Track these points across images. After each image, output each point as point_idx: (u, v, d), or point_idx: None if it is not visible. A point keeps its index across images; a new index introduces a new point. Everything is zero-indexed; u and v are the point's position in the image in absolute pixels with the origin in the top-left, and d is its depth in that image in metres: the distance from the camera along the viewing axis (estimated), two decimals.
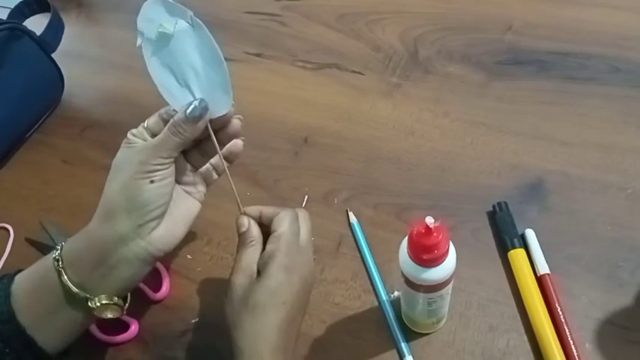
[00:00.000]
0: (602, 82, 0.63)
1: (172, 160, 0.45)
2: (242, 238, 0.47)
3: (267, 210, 0.47)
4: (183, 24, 0.44)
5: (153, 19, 0.44)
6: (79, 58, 0.81)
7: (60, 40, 0.73)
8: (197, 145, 0.48)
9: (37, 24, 0.73)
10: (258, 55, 0.75)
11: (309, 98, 0.70)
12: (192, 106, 0.44)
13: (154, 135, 0.45)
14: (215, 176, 0.52)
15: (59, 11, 0.75)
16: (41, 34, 0.71)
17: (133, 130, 0.46)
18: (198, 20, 0.44)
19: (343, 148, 0.64)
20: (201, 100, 0.44)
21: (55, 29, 0.72)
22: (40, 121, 0.75)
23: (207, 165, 0.51)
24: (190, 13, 0.44)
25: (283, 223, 0.46)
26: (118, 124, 0.73)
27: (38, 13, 0.74)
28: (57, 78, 0.75)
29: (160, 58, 0.45)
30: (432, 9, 0.74)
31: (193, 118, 0.44)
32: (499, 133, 0.61)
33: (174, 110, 0.45)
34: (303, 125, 0.67)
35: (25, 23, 0.72)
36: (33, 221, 0.64)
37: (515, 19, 0.70)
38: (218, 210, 0.60)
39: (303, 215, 0.48)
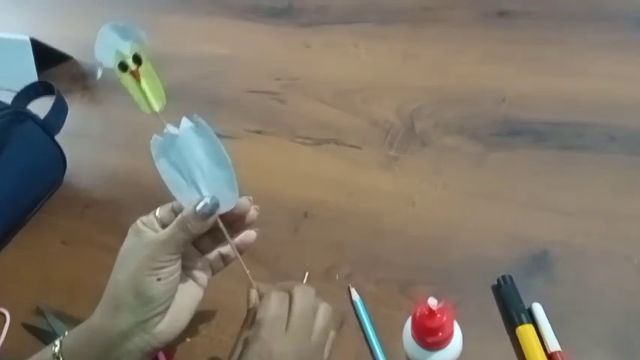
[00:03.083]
0: (599, 150, 0.64)
1: (179, 255, 0.44)
2: (248, 314, 0.45)
3: (262, 289, 0.46)
4: (187, 124, 0.45)
5: (109, 46, 0.43)
6: (82, 138, 0.82)
7: (63, 123, 0.75)
8: (208, 231, 0.48)
9: (42, 105, 0.75)
10: (258, 132, 0.76)
11: (309, 173, 0.70)
12: (202, 203, 0.44)
13: (164, 225, 0.45)
14: (222, 265, 0.51)
15: (65, 94, 0.77)
16: (45, 117, 0.72)
17: (143, 218, 0.46)
18: (201, 120, 0.45)
19: (343, 222, 0.64)
20: (213, 197, 0.45)
21: (59, 112, 0.74)
22: (42, 202, 0.75)
23: (216, 252, 0.51)
24: (143, 32, 0.44)
25: (265, 307, 0.43)
26: (119, 204, 0.73)
27: (43, 96, 0.76)
28: (59, 159, 0.76)
29: (168, 157, 0.46)
30: (426, 83, 0.76)
31: (203, 215, 0.44)
32: (499, 204, 0.61)
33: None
34: (303, 200, 0.67)
35: (30, 105, 0.74)
36: (31, 304, 0.64)
37: (509, 90, 0.72)
38: (217, 290, 0.59)
39: (298, 292, 0.45)
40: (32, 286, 0.67)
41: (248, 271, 0.47)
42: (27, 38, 0.88)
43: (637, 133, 0.64)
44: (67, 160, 0.77)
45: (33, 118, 0.71)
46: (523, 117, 0.69)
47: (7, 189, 0.69)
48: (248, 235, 0.50)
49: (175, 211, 0.46)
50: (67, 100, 0.77)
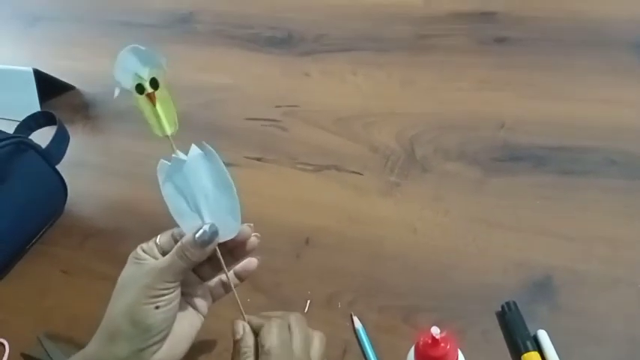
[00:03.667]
0: (599, 174, 0.64)
1: (178, 283, 0.44)
2: (236, 347, 0.44)
3: (254, 320, 0.45)
4: (196, 150, 0.45)
5: (129, 69, 0.44)
6: (83, 167, 0.82)
7: (64, 152, 0.75)
8: (209, 258, 0.48)
9: (43, 136, 0.75)
10: (259, 159, 0.77)
11: (310, 199, 0.70)
12: (201, 231, 0.44)
13: (164, 253, 0.45)
14: (223, 292, 0.51)
15: (67, 123, 0.78)
16: (46, 147, 0.73)
17: (143, 245, 0.46)
18: (210, 148, 0.45)
19: (345, 248, 0.64)
20: (212, 225, 0.45)
21: (60, 142, 0.74)
22: (42, 232, 0.75)
23: (217, 279, 0.50)
24: (164, 59, 0.44)
25: (271, 335, 0.43)
26: (120, 233, 0.73)
27: (45, 126, 0.76)
28: (60, 189, 0.75)
29: (173, 182, 0.46)
30: (425, 109, 0.76)
31: (202, 243, 0.44)
32: (501, 229, 0.61)
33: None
34: (304, 227, 0.67)
35: (32, 136, 0.74)
36: (30, 335, 0.63)
37: (508, 116, 0.72)
38: (217, 318, 0.59)
39: (294, 320, 0.45)
40: (32, 315, 0.66)
41: (240, 302, 0.47)
42: (30, 69, 0.89)
43: (636, 156, 0.64)
44: (68, 189, 0.77)
45: (34, 147, 0.71)
46: (523, 142, 0.69)
47: (8, 219, 0.69)
48: (249, 262, 0.50)
49: (175, 238, 0.46)
50: (69, 130, 0.78)
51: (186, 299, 0.48)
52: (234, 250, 0.48)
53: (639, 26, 0.79)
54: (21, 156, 0.69)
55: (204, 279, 0.49)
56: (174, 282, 0.44)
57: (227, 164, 0.45)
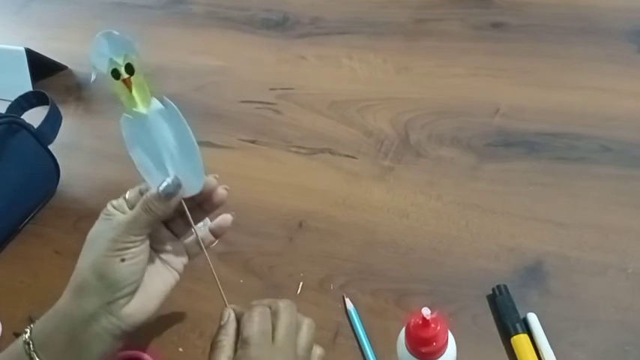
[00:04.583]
0: (592, 162, 0.64)
1: (145, 237, 0.44)
2: (216, 333, 0.44)
3: (239, 309, 0.45)
4: (157, 105, 0.45)
5: (104, 53, 0.44)
6: (76, 149, 0.82)
7: (57, 133, 0.74)
8: (181, 213, 0.48)
9: (35, 116, 0.74)
10: (252, 141, 0.76)
11: (303, 183, 0.70)
12: (165, 184, 0.44)
13: (133, 208, 0.45)
14: (199, 250, 0.50)
15: (59, 104, 0.77)
16: (38, 127, 0.72)
17: (113, 202, 0.46)
18: (171, 103, 0.45)
19: (338, 232, 0.64)
20: (175, 178, 0.44)
21: (53, 122, 0.74)
22: (34, 212, 0.74)
23: (193, 237, 0.50)
24: (136, 44, 0.44)
25: (251, 324, 0.42)
26: None
27: (37, 106, 0.76)
28: (53, 170, 0.75)
29: (138, 138, 0.46)
30: (420, 95, 0.76)
31: (166, 196, 0.44)
32: (494, 215, 0.61)
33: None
34: (298, 210, 0.67)
35: (24, 116, 0.73)
36: (23, 315, 0.63)
37: (502, 102, 0.72)
38: (211, 301, 0.59)
39: (283, 307, 0.44)
40: (25, 296, 0.66)
41: (215, 271, 0.47)
42: (22, 48, 0.88)
43: (630, 144, 0.65)
44: (61, 171, 0.77)
45: (27, 127, 0.70)
46: (517, 128, 0.69)
47: (1, 199, 0.68)
48: (224, 219, 0.50)
49: (142, 193, 0.46)
50: (62, 111, 0.77)
51: (160, 255, 0.48)
52: (203, 203, 0.48)
53: (636, 15, 0.79)
54: (13, 136, 0.69)
55: (178, 235, 0.49)
56: (140, 235, 0.44)
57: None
